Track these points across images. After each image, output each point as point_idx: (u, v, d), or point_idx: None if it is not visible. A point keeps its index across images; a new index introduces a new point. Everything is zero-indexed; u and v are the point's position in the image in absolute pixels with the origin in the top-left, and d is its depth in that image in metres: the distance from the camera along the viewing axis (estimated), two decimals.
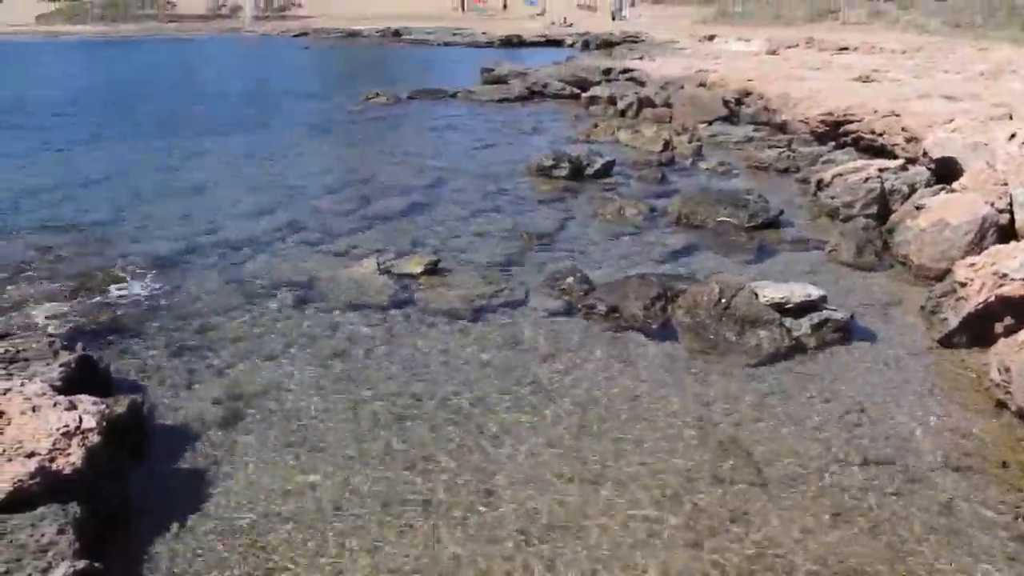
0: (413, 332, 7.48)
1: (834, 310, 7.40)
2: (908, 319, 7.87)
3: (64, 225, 10.93)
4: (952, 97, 14.33)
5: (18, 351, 6.05)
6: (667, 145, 15.09)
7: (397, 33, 61.49)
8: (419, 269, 8.80)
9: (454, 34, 56.55)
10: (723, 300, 7.37)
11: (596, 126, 17.45)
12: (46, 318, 7.76)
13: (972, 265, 7.39)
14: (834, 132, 15.20)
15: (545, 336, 7.40)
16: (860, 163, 11.89)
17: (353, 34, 64.37)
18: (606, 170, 13.32)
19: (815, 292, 7.42)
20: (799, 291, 7.40)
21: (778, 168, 13.97)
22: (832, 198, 11.15)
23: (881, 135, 13.89)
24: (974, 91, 15.19)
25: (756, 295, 7.37)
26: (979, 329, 7.03)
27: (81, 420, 4.79)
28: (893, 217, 10.23)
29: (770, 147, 15.01)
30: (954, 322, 7.15)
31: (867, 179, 11.02)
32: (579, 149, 14.21)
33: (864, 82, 18.47)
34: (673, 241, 10.06)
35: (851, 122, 14.85)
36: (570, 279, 8.39)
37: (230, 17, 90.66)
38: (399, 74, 32.39)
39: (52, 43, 64.37)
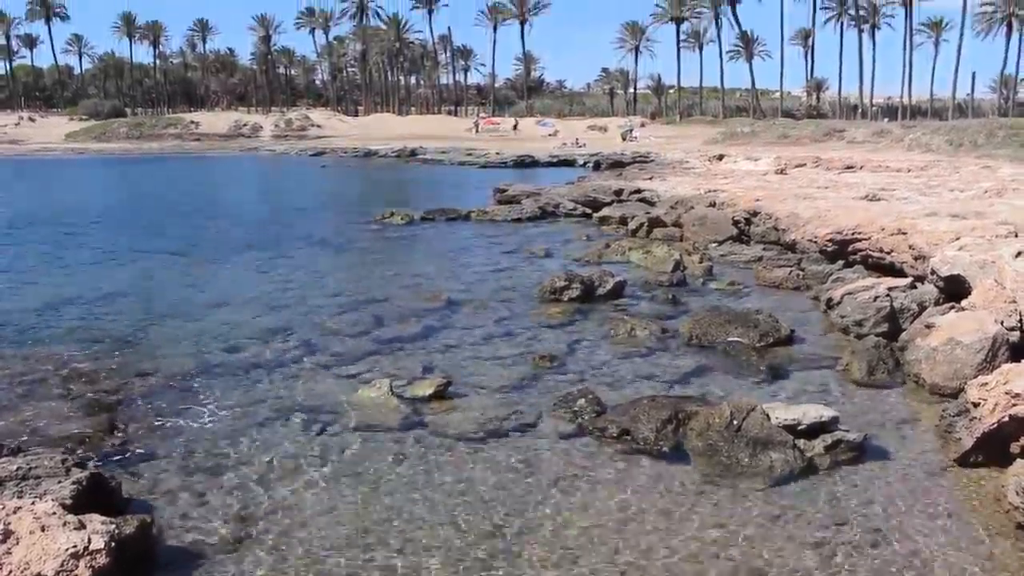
0: (424, 456, 7.46)
1: (847, 431, 7.37)
2: (922, 438, 7.82)
3: (83, 339, 11.17)
4: (958, 215, 14.51)
5: (31, 468, 6.10)
6: (678, 265, 15.26)
7: (412, 153, 63.00)
8: (430, 392, 8.83)
9: (468, 154, 57.82)
10: (735, 422, 7.36)
11: (608, 246, 17.69)
12: (60, 435, 7.82)
13: (985, 384, 7.38)
14: (843, 250, 15.35)
15: (557, 460, 7.37)
16: (869, 281, 12.00)
17: (369, 153, 65.97)
18: (618, 291, 13.45)
19: (827, 413, 7.41)
20: (811, 412, 7.39)
21: (788, 287, 14.09)
22: (843, 316, 11.22)
23: (889, 253, 14.03)
24: (979, 209, 15.39)
25: (768, 417, 7.36)
26: (995, 449, 6.98)
27: (90, 541, 4.79)
28: (904, 335, 10.27)
29: (780, 266, 15.16)
30: (969, 442, 7.10)
31: (877, 297, 11.10)
32: (591, 270, 14.40)
33: (871, 200, 18.75)
34: (685, 362, 10.09)
35: (859, 240, 15.02)
36: (581, 401, 8.40)
37: (250, 136, 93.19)
38: (414, 193, 33.10)
39: (81, 159, 66.21)
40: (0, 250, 19.29)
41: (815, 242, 16.14)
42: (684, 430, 7.67)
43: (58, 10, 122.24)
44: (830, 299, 11.78)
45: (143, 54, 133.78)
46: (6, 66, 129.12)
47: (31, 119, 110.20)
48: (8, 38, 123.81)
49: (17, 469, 6.10)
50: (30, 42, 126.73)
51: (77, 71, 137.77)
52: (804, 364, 10.01)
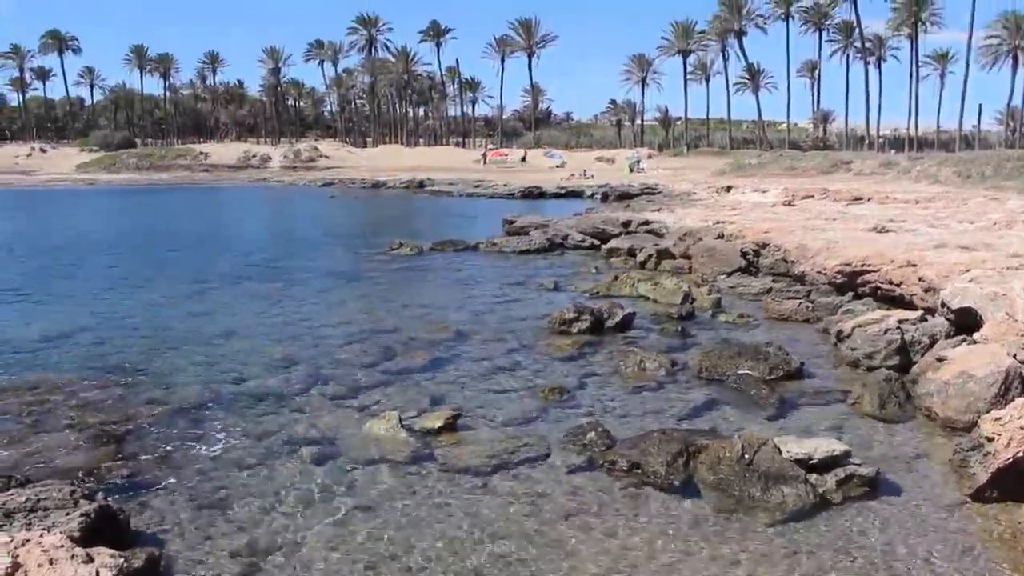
0: (433, 489, 7.42)
1: (859, 465, 7.31)
2: (936, 473, 7.75)
3: (92, 368, 11.24)
4: (968, 247, 14.49)
5: (39, 499, 6.10)
6: (687, 297, 15.23)
7: (421, 184, 63.31)
8: (439, 424, 8.80)
9: (476, 185, 58.05)
10: (746, 456, 7.31)
11: (616, 278, 17.68)
12: (69, 466, 7.83)
13: (999, 419, 7.31)
14: (852, 282, 15.32)
15: (566, 493, 7.32)
16: (879, 314, 11.96)
17: (378, 184, 66.33)
18: (627, 323, 13.42)
19: (839, 447, 7.36)
20: (823, 446, 7.34)
21: (798, 319, 14.04)
22: (853, 349, 11.17)
23: (899, 285, 13.98)
24: (989, 241, 15.36)
25: (779, 450, 7.31)
26: (1010, 484, 6.91)
27: (98, 574, 4.76)
28: (915, 368, 10.22)
29: (789, 298, 15.11)
30: (983, 477, 7.03)
31: (887, 330, 11.06)
32: (600, 302, 14.38)
33: (880, 232, 18.73)
34: (694, 395, 10.05)
35: (868, 272, 14.99)
36: (591, 434, 8.36)
37: (259, 167, 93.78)
38: (422, 224, 33.19)
39: (90, 190, 66.70)
40: (9, 279, 19.35)
41: (824, 274, 16.11)
42: (694, 464, 7.62)
43: (71, 43, 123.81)
44: (840, 332, 11.74)
45: (154, 86, 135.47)
46: (19, 98, 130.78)
47: (42, 150, 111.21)
48: (22, 71, 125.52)
49: (26, 501, 6.09)
50: (43, 75, 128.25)
51: (88, 102, 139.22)
52: (814, 397, 9.95)
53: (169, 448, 8.41)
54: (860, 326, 11.43)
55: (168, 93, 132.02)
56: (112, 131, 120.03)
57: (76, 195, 61.52)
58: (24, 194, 63.58)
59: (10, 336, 13.31)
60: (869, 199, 29.70)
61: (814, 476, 7.14)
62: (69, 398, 9.90)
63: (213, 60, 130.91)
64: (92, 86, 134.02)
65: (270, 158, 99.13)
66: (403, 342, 12.78)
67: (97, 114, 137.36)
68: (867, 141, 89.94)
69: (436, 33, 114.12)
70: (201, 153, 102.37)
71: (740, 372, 10.60)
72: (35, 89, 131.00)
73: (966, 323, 10.76)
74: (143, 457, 8.14)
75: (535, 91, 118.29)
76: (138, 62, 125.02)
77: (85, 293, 17.53)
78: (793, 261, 17.91)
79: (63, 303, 16.42)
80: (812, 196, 32.62)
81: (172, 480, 7.60)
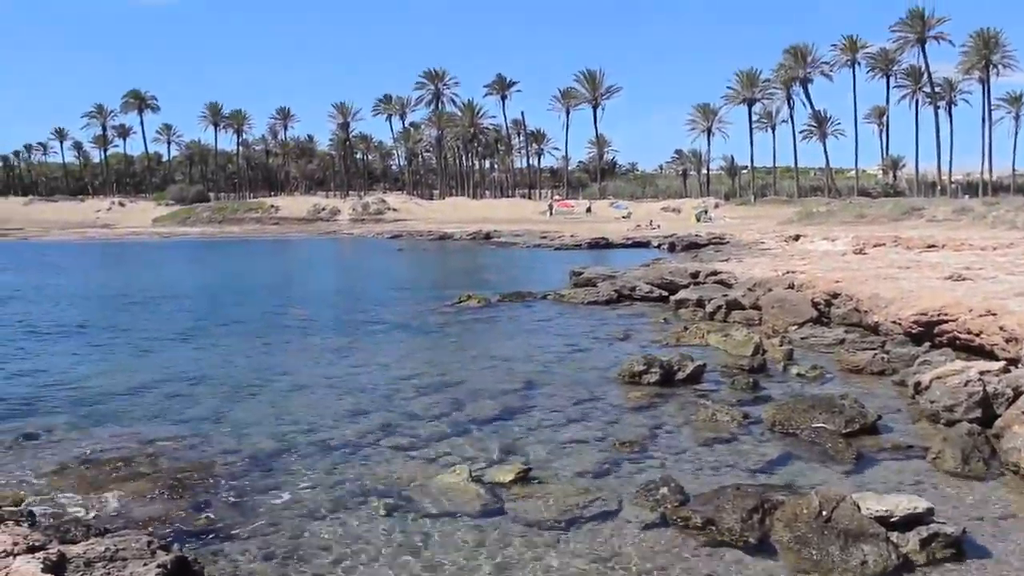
0: (504, 544, 7.37)
1: (943, 523, 7.08)
2: None
3: (167, 418, 11.52)
4: None
5: (118, 549, 6.19)
6: (758, 349, 15.02)
7: (487, 236, 63.84)
8: (510, 477, 8.76)
9: (542, 237, 58.27)
10: (824, 513, 7.14)
11: (685, 329, 17.54)
12: (146, 515, 7.95)
13: None
14: (928, 332, 14.97)
15: (638, 550, 7.21)
16: (959, 365, 11.64)
17: (444, 236, 67.04)
18: (697, 375, 13.29)
19: (921, 504, 7.14)
20: (904, 503, 7.13)
21: (872, 371, 13.73)
22: (932, 402, 10.86)
23: (978, 335, 13.63)
24: None
25: (858, 507, 7.12)
26: None
27: None
28: (999, 422, 9.89)
29: (863, 349, 14.81)
30: None
31: (968, 382, 10.73)
32: (669, 353, 14.27)
33: (956, 280, 18.30)
34: (768, 449, 9.87)
35: (946, 322, 14.64)
36: (664, 489, 8.24)
37: (328, 220, 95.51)
38: (489, 276, 33.36)
39: (166, 243, 68.66)
40: (88, 331, 19.91)
41: (899, 324, 15.78)
42: (771, 521, 7.45)
43: (150, 102, 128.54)
44: (917, 384, 11.45)
45: (227, 141, 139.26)
46: (101, 154, 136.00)
47: (121, 204, 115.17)
48: (104, 128, 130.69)
49: (105, 550, 6.19)
50: (124, 132, 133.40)
51: (165, 158, 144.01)
52: (893, 452, 9.69)
53: (242, 498, 8.50)
54: (939, 378, 11.12)
55: (241, 148, 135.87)
56: (187, 185, 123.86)
57: (152, 248, 63.35)
58: (104, 247, 65.70)
59: (89, 386, 13.69)
60: (943, 246, 29.11)
61: (895, 535, 6.92)
62: (144, 447, 10.10)
63: (284, 116, 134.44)
64: (169, 142, 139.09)
65: (339, 211, 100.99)
66: (472, 393, 12.81)
67: (173, 169, 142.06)
68: (939, 187, 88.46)
69: (501, 86, 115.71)
70: (272, 206, 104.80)
71: (815, 426, 10.37)
72: (116, 146, 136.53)
73: None
74: (217, 507, 8.24)
75: (600, 142, 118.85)
76: (213, 119, 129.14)
77: (160, 345, 17.98)
78: (866, 311, 17.57)
79: (139, 354, 16.85)
80: (883, 244, 32.10)
81: (245, 529, 7.68)
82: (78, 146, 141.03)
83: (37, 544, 6.09)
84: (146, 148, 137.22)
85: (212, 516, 7.98)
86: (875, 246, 31.62)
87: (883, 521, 7.00)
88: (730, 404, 11.60)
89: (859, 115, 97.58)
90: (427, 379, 14.04)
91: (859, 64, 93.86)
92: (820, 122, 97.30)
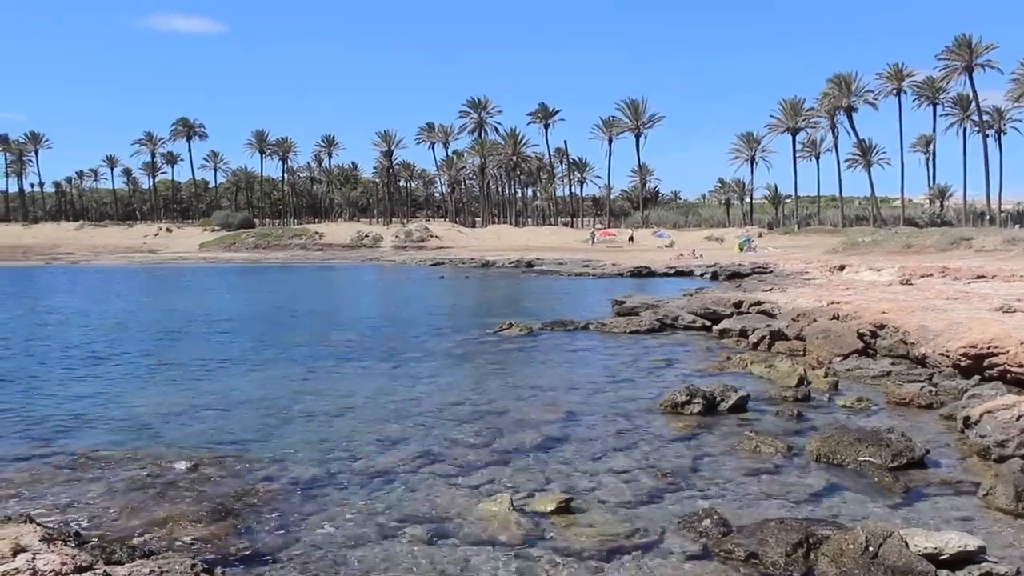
0: (544, 573, 7.35)
1: (995, 563, 6.94)
2: None
3: (210, 442, 11.64)
4: None
5: (163, 572, 6.26)
6: (802, 380, 14.86)
7: (529, 264, 63.97)
8: (552, 507, 8.74)
9: (585, 265, 58.31)
10: (870, 548, 7.03)
11: (728, 359, 17.42)
12: (189, 538, 8.04)
13: None
14: (978, 365, 14.71)
15: None
16: (1010, 399, 11.42)
17: (486, 264, 67.26)
18: (740, 406, 13.18)
19: (972, 542, 7.00)
20: (954, 540, 7.00)
21: (920, 404, 13.51)
22: (982, 436, 10.66)
23: None
24: None
25: (906, 544, 7.00)
26: None
27: None
28: None
29: (910, 381, 14.60)
30: None
31: (1020, 416, 10.52)
32: (712, 383, 14.16)
33: (1007, 312, 18.00)
34: (813, 481, 9.73)
35: (996, 355, 14.38)
36: (707, 521, 8.17)
37: (371, 247, 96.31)
38: (531, 304, 33.36)
39: (212, 267, 69.69)
40: (135, 356, 20.23)
41: (947, 356, 15.53)
42: (815, 555, 7.35)
43: (198, 130, 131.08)
44: (967, 418, 11.24)
45: (273, 168, 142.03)
46: (150, 181, 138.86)
47: (168, 229, 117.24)
48: (154, 156, 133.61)
49: (149, 572, 6.27)
50: (172, 159, 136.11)
51: (212, 184, 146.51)
52: (941, 488, 9.51)
53: (284, 522, 8.56)
54: (989, 412, 10.92)
55: (286, 175, 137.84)
56: (233, 211, 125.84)
57: (198, 273, 64.23)
58: (151, 271, 66.76)
59: (136, 409, 13.92)
60: (993, 277, 28.63)
61: (945, 573, 6.79)
62: (189, 471, 10.22)
63: (329, 143, 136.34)
64: (216, 169, 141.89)
65: (382, 238, 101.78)
66: (514, 422, 12.81)
67: (220, 195, 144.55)
68: (988, 216, 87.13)
69: (544, 115, 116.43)
70: (316, 233, 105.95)
71: (861, 459, 10.22)
72: (164, 172, 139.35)
73: None
74: (259, 531, 8.30)
75: (642, 171, 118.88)
76: (259, 146, 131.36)
77: (206, 369, 18.23)
78: (913, 343, 17.32)
79: (185, 378, 17.08)
80: (931, 274, 31.66)
81: (287, 554, 7.72)
82: (128, 173, 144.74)
83: (84, 564, 6.18)
84: (193, 175, 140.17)
85: (254, 540, 8.05)
86: (922, 276, 31.20)
87: (932, 559, 6.88)
88: (774, 435, 11.48)
89: (905, 144, 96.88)
90: (469, 407, 14.06)
91: (905, 92, 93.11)
92: (865, 151, 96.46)
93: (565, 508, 8.75)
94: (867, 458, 10.22)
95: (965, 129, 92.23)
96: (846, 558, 7.10)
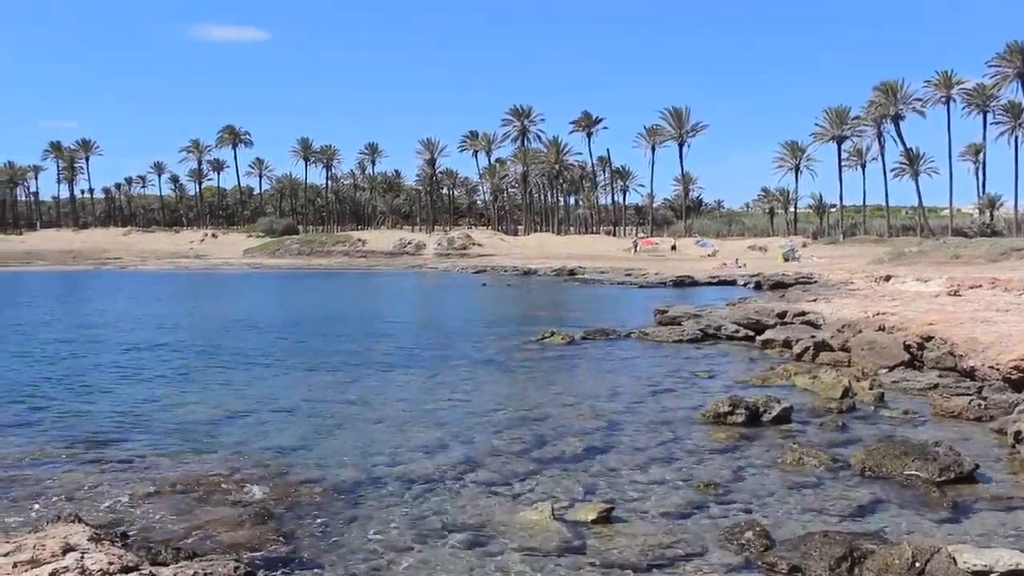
0: None
1: None
2: None
3: (256, 448, 11.78)
4: None
5: (207, 573, 6.34)
6: (847, 391, 14.68)
7: (571, 272, 63.92)
8: (593, 516, 8.71)
9: (627, 274, 58.13)
10: (917, 564, 6.91)
11: (772, 370, 17.28)
12: (233, 541, 8.14)
13: None
14: None
15: None
16: None
17: (529, 272, 67.31)
18: (784, 417, 13.05)
19: None
20: (1005, 558, 6.85)
21: (969, 417, 13.27)
22: None
23: None
24: None
25: (954, 560, 6.87)
26: None
27: None
28: None
29: (958, 394, 14.35)
30: None
31: None
32: (755, 394, 14.04)
33: None
34: (858, 495, 9.60)
35: None
36: (749, 534, 8.10)
37: (414, 254, 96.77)
38: (573, 313, 33.30)
39: (256, 273, 70.51)
40: (181, 361, 20.52)
41: (997, 369, 15.24)
42: (860, 570, 7.24)
43: (244, 137, 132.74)
44: (1018, 432, 11.03)
45: (317, 175, 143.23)
46: (196, 187, 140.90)
47: (214, 235, 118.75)
48: (200, 163, 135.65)
49: (194, 574, 6.35)
50: (218, 166, 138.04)
51: (257, 191, 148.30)
52: (991, 503, 9.32)
53: (326, 527, 8.63)
54: None
55: (330, 182, 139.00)
56: (277, 218, 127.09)
57: (242, 279, 65.01)
58: (197, 276, 67.67)
59: (181, 413, 14.17)
60: None
61: None
62: (233, 475, 10.36)
63: (372, 151, 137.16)
64: (261, 176, 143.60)
65: (424, 245, 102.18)
66: (556, 430, 12.80)
67: (264, 202, 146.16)
68: None
69: (587, 123, 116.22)
70: (359, 240, 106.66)
71: (907, 472, 10.06)
72: (210, 179, 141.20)
73: None
74: (301, 535, 8.38)
75: (685, 179, 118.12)
76: (303, 153, 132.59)
77: (250, 374, 18.47)
78: (961, 355, 17.01)
79: (230, 383, 17.30)
80: (980, 286, 31.07)
81: (328, 559, 7.79)
82: (175, 179, 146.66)
83: (131, 565, 6.26)
84: (239, 181, 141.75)
85: (296, 545, 8.13)
86: (971, 288, 30.64)
87: None
88: (818, 447, 11.35)
89: (954, 152, 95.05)
90: (510, 415, 14.07)
91: (954, 100, 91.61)
92: (912, 160, 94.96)
93: (606, 518, 8.72)
94: (914, 472, 10.06)
95: (1017, 137, 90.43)
96: (891, 574, 6.98)
